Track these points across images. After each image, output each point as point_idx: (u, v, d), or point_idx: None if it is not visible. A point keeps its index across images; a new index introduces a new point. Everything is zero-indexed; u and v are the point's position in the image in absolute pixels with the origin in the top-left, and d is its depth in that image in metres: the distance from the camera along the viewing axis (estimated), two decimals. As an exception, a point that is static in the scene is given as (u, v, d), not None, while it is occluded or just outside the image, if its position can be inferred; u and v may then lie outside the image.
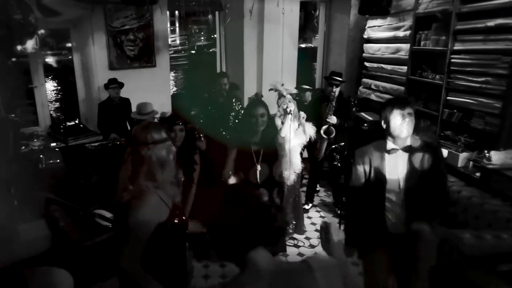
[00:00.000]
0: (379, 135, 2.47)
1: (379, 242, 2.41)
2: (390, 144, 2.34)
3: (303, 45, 12.12)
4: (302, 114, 3.77)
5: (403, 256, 2.37)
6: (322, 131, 4.06)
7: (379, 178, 2.34)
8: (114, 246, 1.91)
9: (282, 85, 3.79)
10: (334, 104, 4.08)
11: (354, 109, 5.10)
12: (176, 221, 1.87)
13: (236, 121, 4.42)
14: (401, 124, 2.25)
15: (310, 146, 4.20)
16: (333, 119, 4.12)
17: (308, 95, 5.00)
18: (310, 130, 3.81)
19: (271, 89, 3.84)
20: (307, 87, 5.24)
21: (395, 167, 2.32)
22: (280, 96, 3.81)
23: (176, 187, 1.99)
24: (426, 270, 2.34)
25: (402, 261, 2.39)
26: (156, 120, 3.94)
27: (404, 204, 2.32)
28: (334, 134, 4.12)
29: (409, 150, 2.31)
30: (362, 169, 2.43)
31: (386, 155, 2.34)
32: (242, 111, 4.52)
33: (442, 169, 2.41)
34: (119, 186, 1.85)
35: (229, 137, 4.09)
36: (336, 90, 4.18)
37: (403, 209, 2.33)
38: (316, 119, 4.13)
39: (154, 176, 1.79)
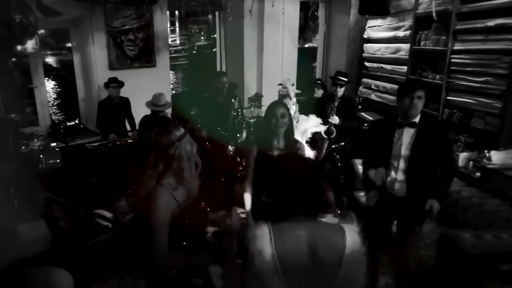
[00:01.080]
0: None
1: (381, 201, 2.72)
2: (400, 119, 2.60)
3: (306, 45, 12.07)
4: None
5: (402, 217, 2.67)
6: (322, 131, 4.05)
7: (387, 147, 2.62)
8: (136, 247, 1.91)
9: (293, 85, 3.76)
10: (336, 104, 4.07)
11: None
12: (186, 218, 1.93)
13: (236, 120, 4.41)
14: (408, 106, 2.49)
15: (312, 146, 4.20)
16: (335, 119, 4.09)
17: (320, 92, 4.77)
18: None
19: (280, 84, 3.81)
20: (320, 82, 4.96)
21: (400, 139, 2.58)
22: (285, 96, 3.79)
23: (197, 184, 2.02)
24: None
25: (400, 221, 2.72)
26: (169, 115, 3.96)
27: (406, 171, 2.58)
28: (335, 134, 4.10)
29: (416, 126, 2.53)
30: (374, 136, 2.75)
31: (396, 128, 2.60)
32: (241, 110, 4.52)
33: (449, 148, 2.71)
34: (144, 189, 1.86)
35: (249, 141, 4.09)
36: (340, 90, 4.17)
37: (404, 175, 2.59)
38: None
39: (181, 174, 1.84)
